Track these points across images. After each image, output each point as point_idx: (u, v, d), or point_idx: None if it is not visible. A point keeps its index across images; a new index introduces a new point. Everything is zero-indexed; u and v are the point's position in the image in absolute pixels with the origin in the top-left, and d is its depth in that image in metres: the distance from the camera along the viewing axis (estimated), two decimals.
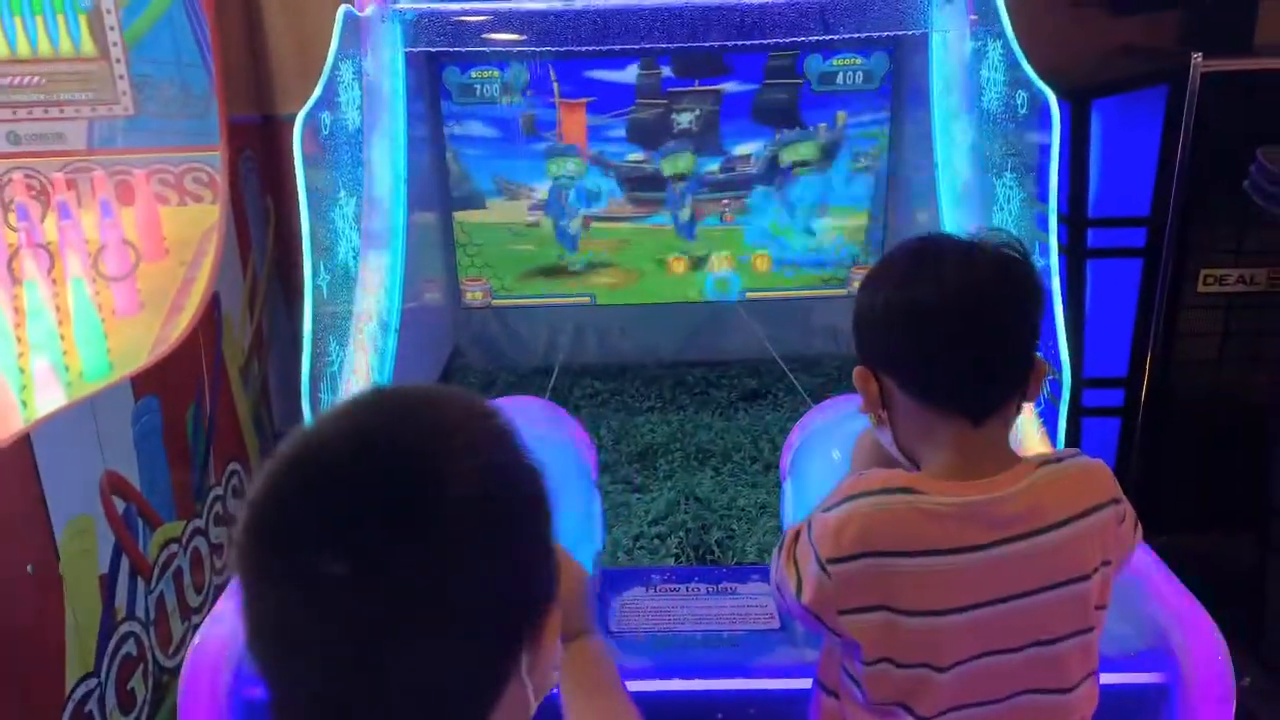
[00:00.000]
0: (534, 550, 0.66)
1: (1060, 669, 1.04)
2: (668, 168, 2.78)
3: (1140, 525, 1.11)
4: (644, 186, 2.80)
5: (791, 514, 1.73)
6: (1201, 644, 1.39)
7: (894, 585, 1.00)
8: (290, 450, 0.63)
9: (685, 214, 2.82)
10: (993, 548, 1.00)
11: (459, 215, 2.83)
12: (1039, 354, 1.06)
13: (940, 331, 1.01)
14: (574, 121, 2.73)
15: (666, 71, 2.69)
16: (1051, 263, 1.85)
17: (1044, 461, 1.05)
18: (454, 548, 0.59)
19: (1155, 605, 1.44)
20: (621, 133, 2.75)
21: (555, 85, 2.68)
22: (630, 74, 2.68)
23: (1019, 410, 1.07)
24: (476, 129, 2.74)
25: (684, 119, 2.73)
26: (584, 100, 2.70)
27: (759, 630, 1.49)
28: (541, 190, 2.80)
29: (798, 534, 1.08)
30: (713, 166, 2.78)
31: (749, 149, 2.77)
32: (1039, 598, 1.01)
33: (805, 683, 1.37)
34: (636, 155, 2.76)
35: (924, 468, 1.06)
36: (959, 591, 1.00)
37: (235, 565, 0.61)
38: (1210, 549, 2.27)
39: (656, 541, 1.90)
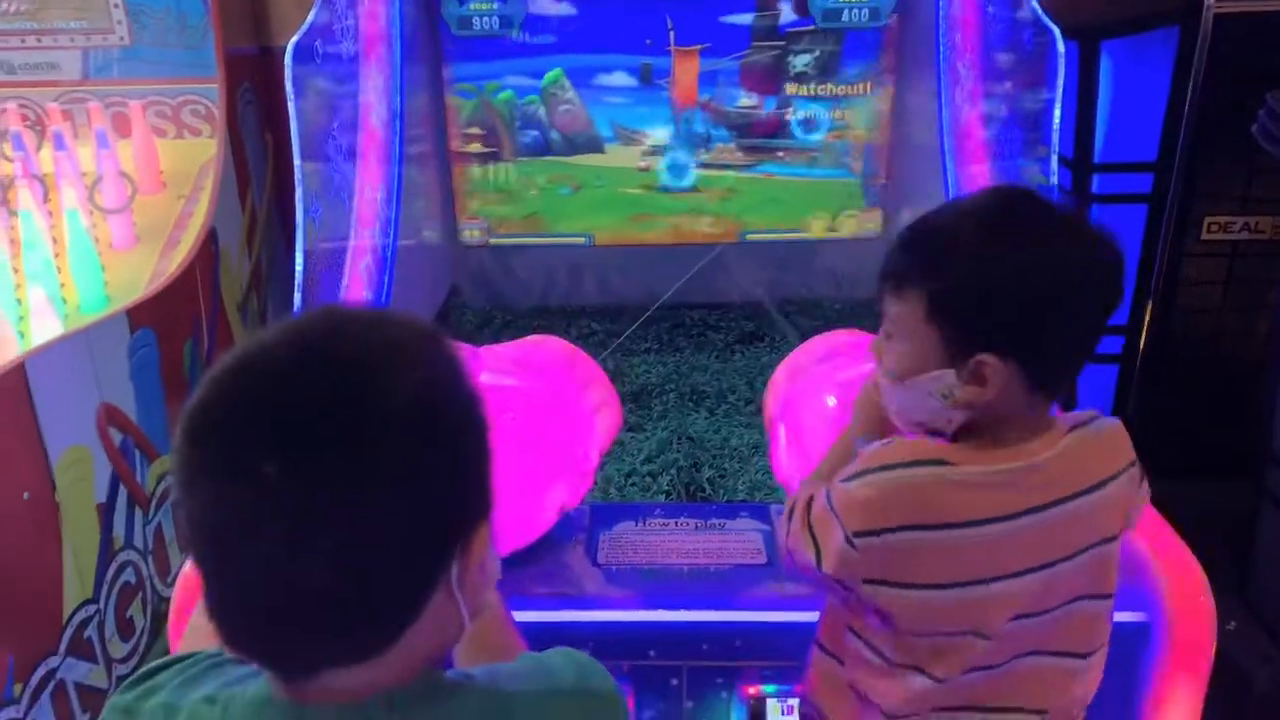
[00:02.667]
0: (464, 465, 0.68)
1: (1082, 632, 1.04)
2: (781, 113, 2.72)
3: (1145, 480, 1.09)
4: (754, 133, 2.75)
5: (783, 457, 1.72)
6: (1185, 584, 1.40)
7: (925, 559, 0.97)
8: (232, 357, 0.65)
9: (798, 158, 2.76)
10: (1035, 513, 0.97)
11: (576, 159, 2.80)
12: None
13: (1081, 298, 0.97)
14: (686, 69, 2.68)
15: (787, 11, 2.59)
16: None
17: (1074, 425, 1.02)
18: (382, 453, 0.61)
19: (1140, 545, 1.44)
20: (735, 78, 2.69)
21: (671, 33, 2.62)
22: (747, 16, 2.60)
23: None
24: (618, 79, 2.70)
25: (800, 61, 2.65)
26: (698, 47, 2.65)
27: (746, 565, 1.50)
28: (655, 136, 2.76)
29: (810, 500, 1.04)
30: (830, 111, 2.71)
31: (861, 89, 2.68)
32: (1076, 560, 1.00)
33: (790, 615, 1.38)
34: (748, 101, 2.71)
35: (961, 439, 1.00)
36: (1004, 559, 0.97)
37: (172, 463, 0.63)
38: (1206, 495, 2.27)
39: (649, 479, 1.91)
